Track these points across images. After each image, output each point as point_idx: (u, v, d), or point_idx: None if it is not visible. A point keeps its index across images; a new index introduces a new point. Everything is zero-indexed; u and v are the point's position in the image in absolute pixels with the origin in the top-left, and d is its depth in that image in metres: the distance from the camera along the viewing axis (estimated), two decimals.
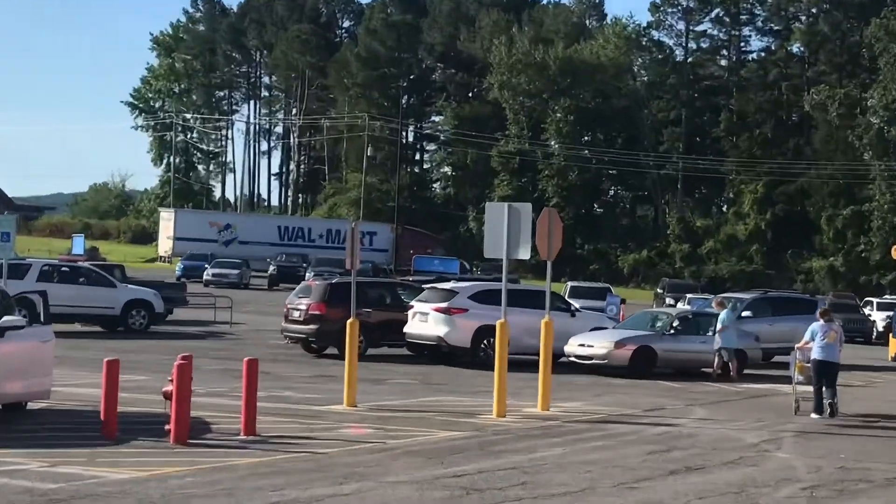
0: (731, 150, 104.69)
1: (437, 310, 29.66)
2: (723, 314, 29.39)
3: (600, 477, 14.25)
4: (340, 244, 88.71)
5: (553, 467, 14.85)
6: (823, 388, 21.68)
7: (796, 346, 22.91)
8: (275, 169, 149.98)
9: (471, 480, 13.71)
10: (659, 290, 68.51)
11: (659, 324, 30.55)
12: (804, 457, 16.41)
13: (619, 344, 28.71)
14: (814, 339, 22.08)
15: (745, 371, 29.42)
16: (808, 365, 22.21)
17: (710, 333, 29.20)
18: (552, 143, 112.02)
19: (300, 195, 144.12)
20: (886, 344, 47.33)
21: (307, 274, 62.03)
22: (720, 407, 23.11)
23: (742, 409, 22.63)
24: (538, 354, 29.35)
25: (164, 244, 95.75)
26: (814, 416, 21.42)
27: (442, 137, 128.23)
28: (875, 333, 54.00)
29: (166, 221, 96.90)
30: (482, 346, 29.37)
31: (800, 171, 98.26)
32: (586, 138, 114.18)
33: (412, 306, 30.42)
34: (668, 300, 61.37)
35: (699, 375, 29.93)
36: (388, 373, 27.01)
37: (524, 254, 20.46)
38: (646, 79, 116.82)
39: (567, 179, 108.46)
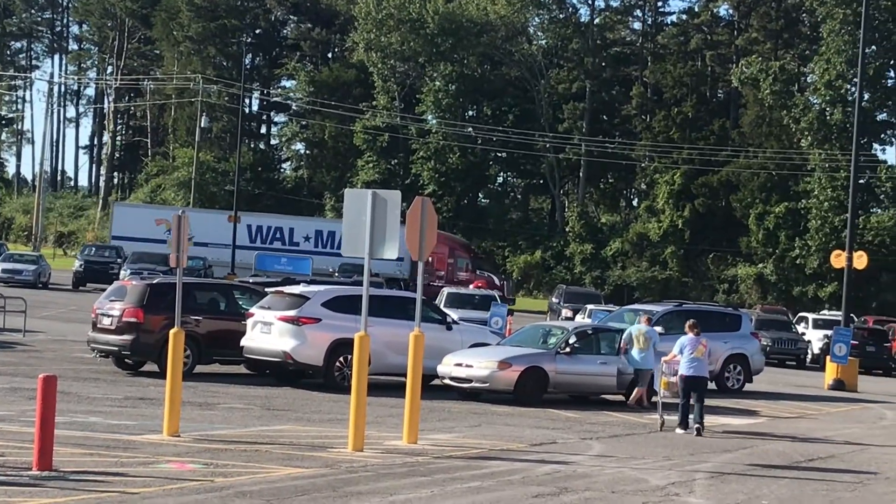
0: (644, 133, 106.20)
1: (284, 319, 29.64)
2: (645, 330, 29.97)
3: None
4: (334, 248, 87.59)
5: None
6: (692, 404, 24.91)
7: (662, 359, 26.25)
8: (84, 140, 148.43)
9: None
10: (554, 300, 69.28)
11: (552, 340, 30.91)
12: (720, 503, 16.80)
13: (504, 364, 28.99)
14: (682, 352, 25.26)
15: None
16: (674, 380, 25.49)
17: (629, 352, 29.60)
18: (429, 117, 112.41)
19: (116, 174, 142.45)
20: (822, 369, 48.64)
21: (122, 272, 61.38)
22: (621, 441, 23.53)
23: (648, 445, 23.07)
24: (405, 375, 29.74)
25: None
26: (679, 430, 24.88)
27: (294, 107, 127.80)
28: (810, 356, 55.39)
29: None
30: (338, 364, 29.46)
31: (725, 159, 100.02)
32: (470, 113, 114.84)
33: (252, 314, 30.35)
34: (565, 312, 62.08)
35: (598, 403, 30.43)
36: (220, 395, 26.94)
37: (391, 252, 20.60)
38: (543, 42, 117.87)
39: (446, 163, 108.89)
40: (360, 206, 20.68)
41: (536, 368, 29.24)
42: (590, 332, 31.88)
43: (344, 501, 15.49)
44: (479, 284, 72.14)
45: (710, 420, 28.10)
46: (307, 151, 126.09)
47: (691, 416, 25.05)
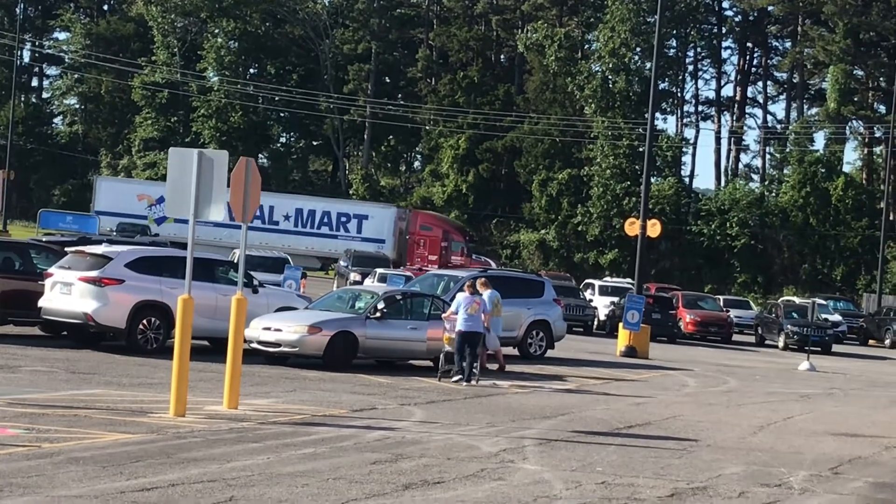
0: (430, 96, 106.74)
1: (85, 280, 29.01)
2: (487, 294, 30.26)
3: (323, 492, 14.37)
4: (315, 228, 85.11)
5: (262, 479, 14.87)
6: (466, 356, 27.78)
7: (443, 315, 29.04)
8: None
9: (165, 495, 13.59)
10: (342, 264, 69.21)
11: (360, 305, 30.90)
12: (556, 470, 17.02)
13: (314, 328, 28.90)
14: (458, 310, 28.01)
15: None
16: (454, 335, 28.21)
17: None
18: (210, 74, 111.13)
19: None
20: (610, 335, 49.71)
21: None
22: (441, 407, 23.66)
23: (468, 411, 23.24)
24: (209, 339, 29.46)
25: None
26: (455, 378, 27.80)
27: (68, 60, 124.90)
28: (596, 322, 56.47)
29: None
30: (141, 326, 29.01)
31: (510, 124, 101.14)
32: (253, 71, 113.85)
33: (51, 274, 29.62)
34: (354, 276, 61.99)
35: (407, 368, 30.56)
36: (20, 358, 26.25)
37: (217, 214, 20.30)
38: (328, 1, 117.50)
39: (228, 121, 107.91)
40: (184, 166, 20.30)
41: (346, 333, 29.22)
42: (399, 297, 31.92)
43: (182, 468, 15.24)
44: (475, 267, 71.74)
45: (520, 387, 28.56)
46: (81, 106, 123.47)
47: (465, 366, 27.93)
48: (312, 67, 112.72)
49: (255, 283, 31.94)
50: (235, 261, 34.71)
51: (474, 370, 28.07)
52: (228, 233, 76.04)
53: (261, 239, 79.92)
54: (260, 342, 29.04)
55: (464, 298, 28.29)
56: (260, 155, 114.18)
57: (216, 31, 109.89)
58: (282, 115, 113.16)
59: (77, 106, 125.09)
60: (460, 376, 27.89)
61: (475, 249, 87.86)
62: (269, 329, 29.04)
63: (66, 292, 29.20)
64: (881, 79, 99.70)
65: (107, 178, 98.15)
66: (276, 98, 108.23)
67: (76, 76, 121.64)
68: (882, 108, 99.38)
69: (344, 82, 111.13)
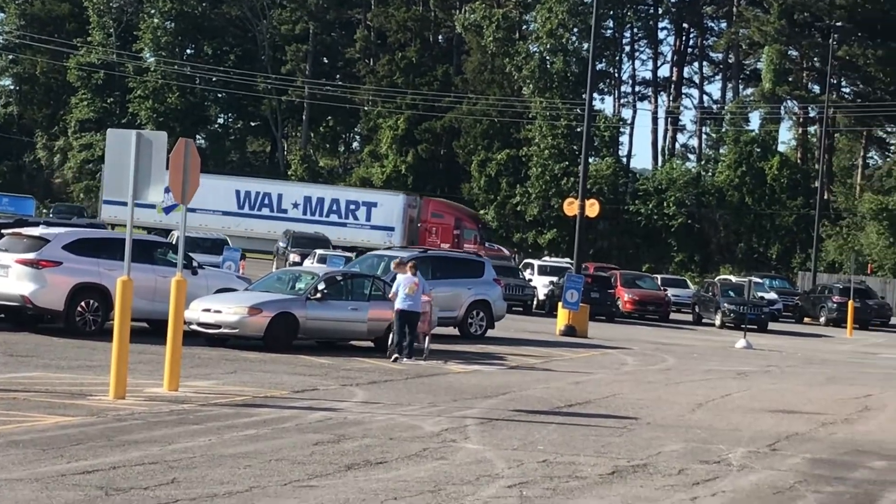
0: (368, 77, 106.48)
1: (22, 262, 28.80)
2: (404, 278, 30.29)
3: (265, 473, 14.35)
4: (323, 216, 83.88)
5: (205, 461, 14.83)
6: (407, 335, 28.60)
7: (389, 295, 29.64)
8: None
9: (106, 478, 13.53)
10: (281, 245, 68.92)
11: (301, 286, 30.82)
12: (498, 448, 17.07)
13: (254, 310, 28.81)
14: (398, 290, 28.83)
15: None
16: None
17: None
18: (147, 55, 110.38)
19: None
20: (550, 314, 49.86)
21: None
22: (382, 388, 23.67)
23: (409, 391, 23.27)
24: (148, 321, 29.33)
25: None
26: (395, 356, 28.51)
27: (2, 41, 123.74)
28: (536, 302, 56.65)
29: None
30: (79, 308, 28.83)
31: (448, 105, 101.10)
32: (190, 52, 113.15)
33: None
34: (293, 257, 61.76)
35: (347, 349, 30.57)
36: None
37: (156, 195, 20.20)
38: None
39: (165, 102, 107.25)
40: (123, 147, 20.16)
41: (287, 314, 29.15)
42: (339, 278, 31.89)
43: (123, 451, 15.17)
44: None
45: (461, 367, 28.64)
46: (16, 87, 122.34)
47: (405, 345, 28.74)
48: (250, 48, 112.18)
49: (195, 264, 31.75)
50: (174, 242, 34.56)
51: (415, 348, 28.86)
52: (236, 221, 75.99)
53: (269, 227, 79.73)
54: (200, 324, 28.91)
55: (404, 279, 28.98)
56: (198, 136, 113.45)
57: (152, 11, 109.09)
58: (219, 95, 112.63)
59: (12, 87, 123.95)
60: (397, 355, 28.50)
61: (488, 237, 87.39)
62: (209, 311, 28.91)
63: (3, 275, 28.96)
64: (815, 59, 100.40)
65: None
66: (214, 79, 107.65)
67: (10, 57, 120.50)
68: (816, 88, 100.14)
69: (282, 63, 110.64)
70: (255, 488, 13.53)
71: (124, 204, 20.59)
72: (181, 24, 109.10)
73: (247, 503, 12.89)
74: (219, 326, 28.78)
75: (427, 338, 29.99)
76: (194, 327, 28.84)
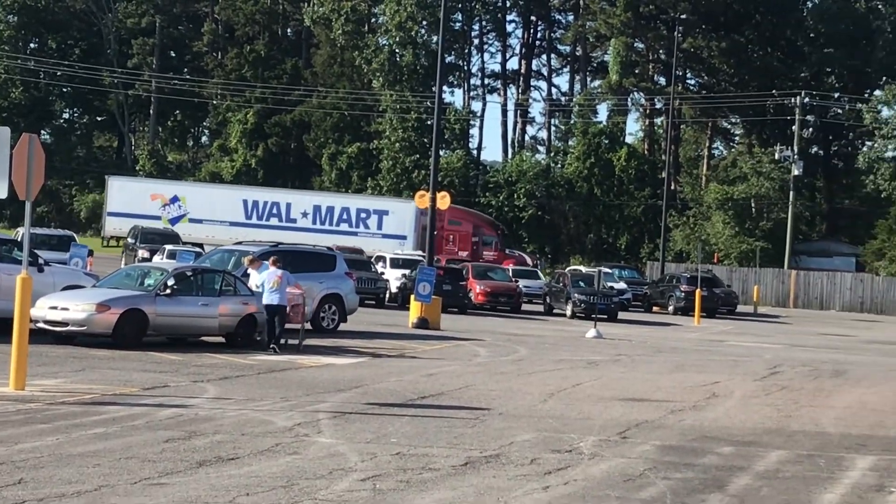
0: (216, 70, 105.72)
1: None
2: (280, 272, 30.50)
3: (115, 471, 14.16)
4: (334, 225, 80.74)
5: (52, 460, 14.59)
6: (276, 327, 29.92)
7: (252, 289, 30.75)
8: None
9: None
10: (130, 240, 68.14)
11: (150, 281, 30.48)
12: (351, 442, 17.05)
13: (102, 307, 28.40)
14: (263, 285, 30.20)
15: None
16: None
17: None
18: None
19: None
20: (402, 307, 49.99)
21: None
22: (234, 383, 23.49)
23: (262, 386, 23.12)
24: None
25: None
26: (273, 346, 29.65)
27: None
28: (388, 295, 56.69)
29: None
30: None
31: (298, 98, 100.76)
32: (33, 46, 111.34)
33: None
34: (142, 252, 61.14)
35: (199, 345, 30.29)
36: None
37: (1, 191, 19.82)
38: None
39: (8, 97, 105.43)
40: None
41: (136, 311, 28.79)
42: (189, 273, 31.59)
43: None
44: (510, 264, 70.58)
45: (314, 360, 28.55)
46: None
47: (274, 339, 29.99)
48: (95, 42, 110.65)
49: (41, 261, 31.21)
50: (19, 239, 33.92)
51: (278, 341, 30.18)
52: (244, 231, 74.48)
53: (279, 238, 78.01)
54: (46, 321, 28.42)
55: (268, 274, 30.48)
56: (42, 131, 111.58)
57: None
58: (64, 90, 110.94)
59: None
60: (274, 346, 29.96)
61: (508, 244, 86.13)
62: (55, 308, 28.44)
63: None
64: (661, 51, 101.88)
65: (119, 178, 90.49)
66: (59, 73, 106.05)
67: None
68: (662, 80, 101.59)
69: (128, 57, 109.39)
70: (104, 487, 13.34)
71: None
72: (24, 17, 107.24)
73: (96, 502, 12.69)
74: (66, 324, 28.32)
75: (302, 329, 31.29)
76: (41, 325, 28.34)
